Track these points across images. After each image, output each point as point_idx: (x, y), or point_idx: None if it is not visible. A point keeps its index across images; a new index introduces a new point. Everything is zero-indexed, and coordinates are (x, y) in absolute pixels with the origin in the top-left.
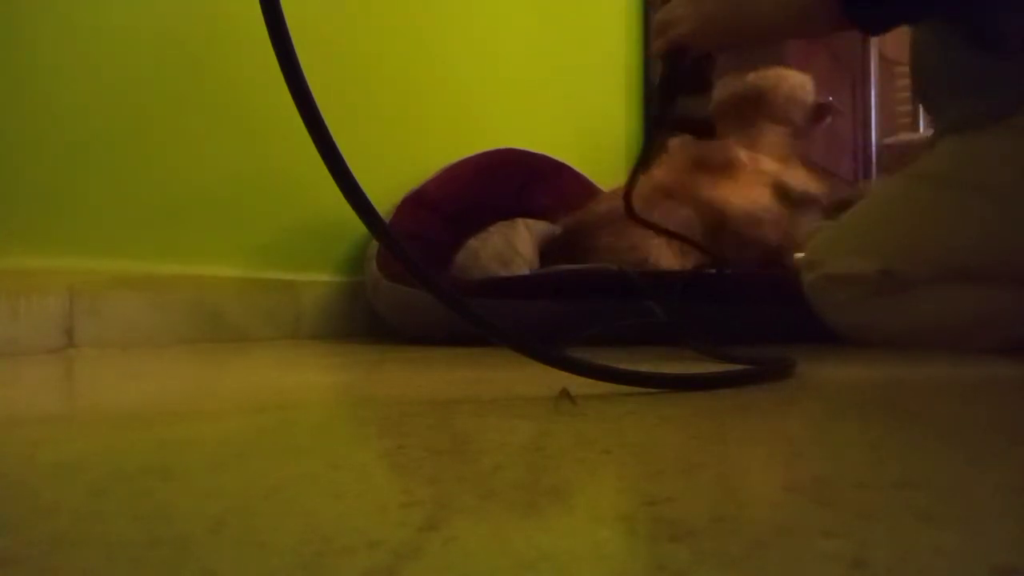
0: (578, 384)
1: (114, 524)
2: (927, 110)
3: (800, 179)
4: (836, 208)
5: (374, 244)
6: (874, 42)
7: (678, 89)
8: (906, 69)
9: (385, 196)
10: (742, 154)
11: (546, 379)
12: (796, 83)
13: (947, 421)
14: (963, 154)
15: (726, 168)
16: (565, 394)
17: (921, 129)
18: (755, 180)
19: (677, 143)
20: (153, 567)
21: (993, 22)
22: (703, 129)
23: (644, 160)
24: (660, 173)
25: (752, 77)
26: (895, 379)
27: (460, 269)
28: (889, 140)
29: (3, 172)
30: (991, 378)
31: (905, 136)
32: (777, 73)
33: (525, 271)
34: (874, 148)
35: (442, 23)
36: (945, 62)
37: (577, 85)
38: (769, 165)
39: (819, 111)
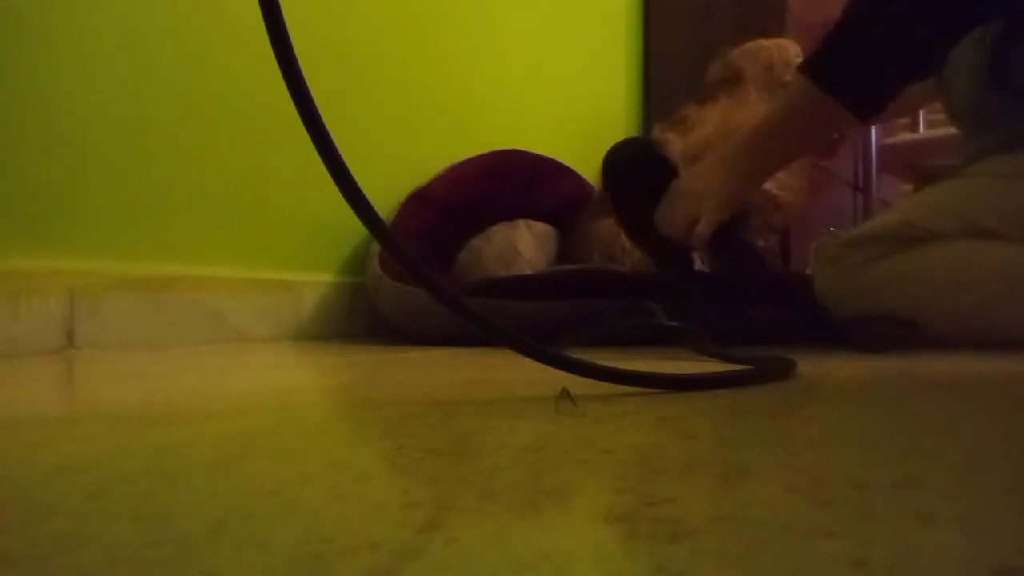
0: (578, 384)
1: (114, 525)
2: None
3: None
4: None
5: (376, 244)
6: None
7: (737, 249)
8: None
9: (385, 196)
10: None
11: (546, 379)
12: (774, 49)
13: (947, 420)
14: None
15: None
16: (565, 394)
17: (921, 130)
18: None
19: None
20: (153, 568)
21: (1006, 64)
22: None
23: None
24: None
25: (732, 54)
26: (895, 379)
27: (462, 268)
28: (889, 141)
29: (3, 172)
30: (992, 376)
31: (905, 137)
32: (756, 45)
33: (526, 271)
34: (874, 148)
35: (443, 23)
36: (970, 98)
37: (578, 86)
38: None
39: None
